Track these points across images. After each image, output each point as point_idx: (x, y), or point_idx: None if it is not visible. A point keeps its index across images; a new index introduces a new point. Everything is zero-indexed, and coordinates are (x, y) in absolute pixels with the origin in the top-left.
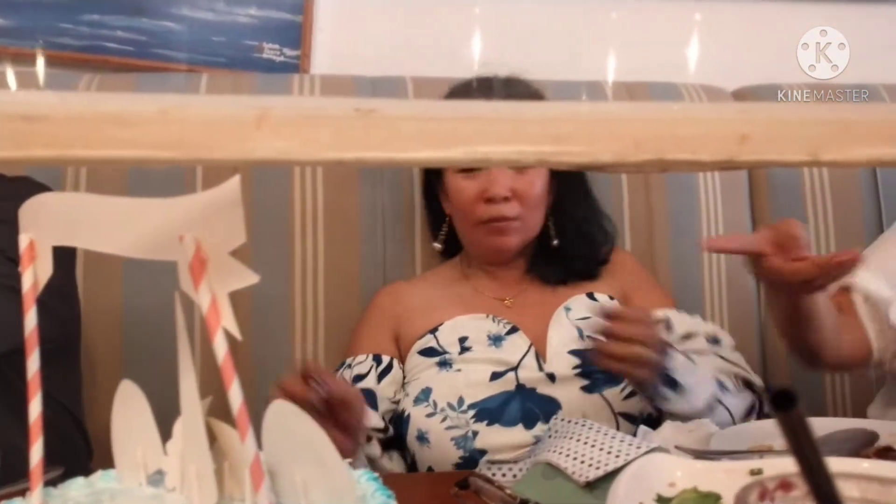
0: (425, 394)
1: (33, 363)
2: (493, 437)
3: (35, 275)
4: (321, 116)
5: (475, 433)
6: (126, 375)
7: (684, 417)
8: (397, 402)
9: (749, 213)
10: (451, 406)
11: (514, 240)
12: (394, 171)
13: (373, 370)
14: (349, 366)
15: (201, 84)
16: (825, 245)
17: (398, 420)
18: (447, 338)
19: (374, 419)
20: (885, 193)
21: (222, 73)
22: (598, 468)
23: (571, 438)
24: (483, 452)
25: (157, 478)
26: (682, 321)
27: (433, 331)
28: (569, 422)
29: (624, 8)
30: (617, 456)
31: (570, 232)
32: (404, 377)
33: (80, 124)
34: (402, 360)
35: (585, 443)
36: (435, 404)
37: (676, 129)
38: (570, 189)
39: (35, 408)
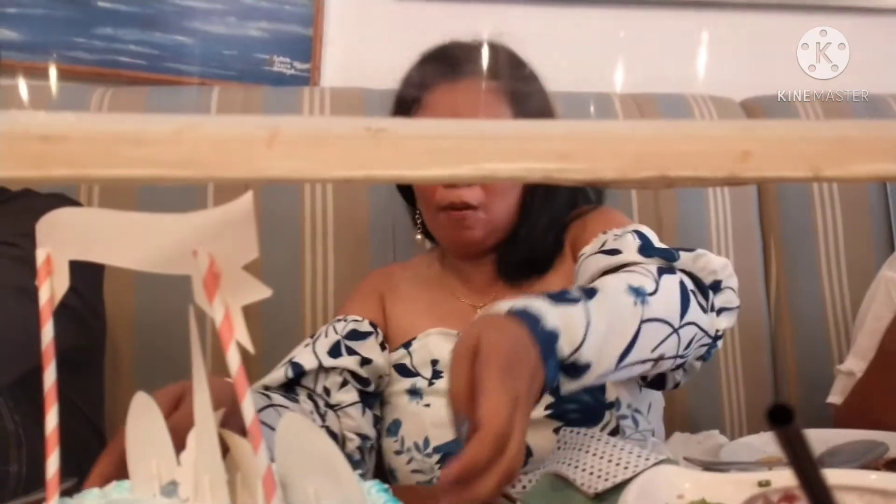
0: (395, 426)
1: (49, 375)
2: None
3: (52, 289)
4: (331, 136)
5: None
6: (138, 385)
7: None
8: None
9: (758, 222)
10: (416, 447)
11: (478, 233)
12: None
13: (373, 337)
14: (345, 320)
15: (213, 97)
16: (834, 255)
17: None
18: (419, 357)
19: (360, 370)
20: (894, 202)
21: (233, 86)
22: (606, 479)
23: (580, 450)
24: None
25: (170, 488)
26: (625, 244)
27: (406, 346)
28: (578, 433)
29: (632, 19)
30: (626, 468)
31: (539, 226)
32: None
33: (96, 144)
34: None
35: (594, 454)
36: (403, 441)
37: (678, 146)
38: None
39: (52, 420)
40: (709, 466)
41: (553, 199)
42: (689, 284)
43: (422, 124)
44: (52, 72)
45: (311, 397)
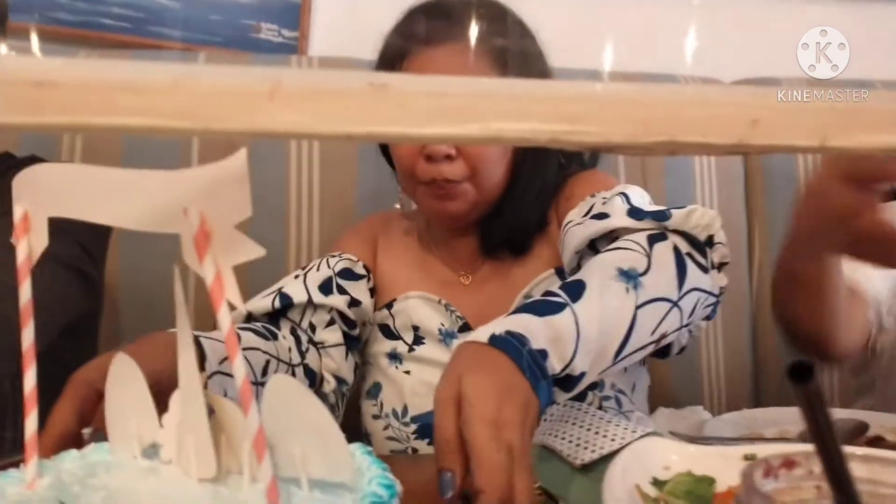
0: (376, 389)
1: (28, 335)
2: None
3: (29, 247)
4: (334, 90)
5: (415, 450)
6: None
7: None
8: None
9: (744, 203)
10: (395, 413)
11: (461, 205)
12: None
13: (365, 281)
14: (339, 256)
15: (198, 63)
16: None
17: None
18: (401, 321)
19: (349, 312)
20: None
21: (219, 52)
22: (593, 451)
23: (567, 422)
24: None
25: (151, 451)
26: (613, 208)
27: (389, 307)
28: (565, 405)
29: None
30: (612, 439)
31: (526, 201)
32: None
33: (90, 91)
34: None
35: (581, 426)
36: (381, 406)
37: (687, 112)
38: (537, 152)
39: (30, 380)
40: (693, 441)
41: (542, 171)
42: (685, 247)
43: (427, 80)
44: (34, 33)
45: (293, 332)
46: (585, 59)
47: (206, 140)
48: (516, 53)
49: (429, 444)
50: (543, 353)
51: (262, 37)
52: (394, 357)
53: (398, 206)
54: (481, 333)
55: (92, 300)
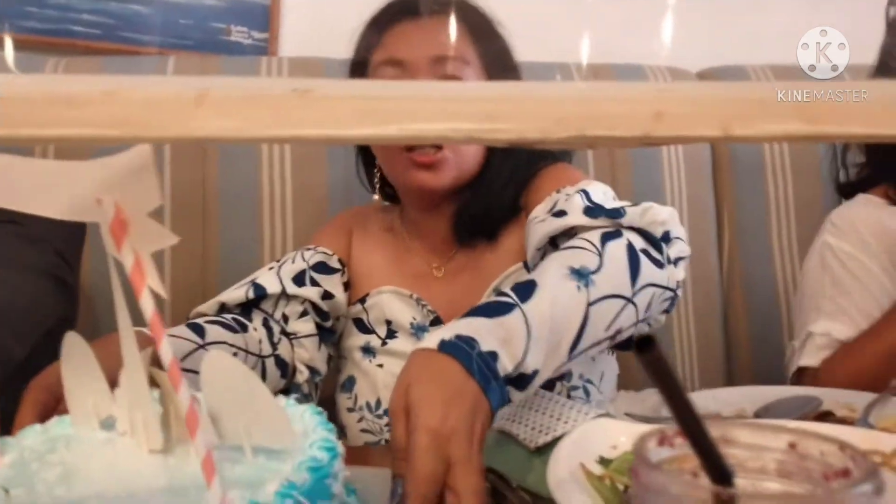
0: (350, 383)
1: None
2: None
3: None
4: (259, 96)
5: (388, 441)
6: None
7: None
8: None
9: (712, 189)
10: (368, 406)
11: (440, 178)
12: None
13: (339, 275)
14: (314, 250)
15: (168, 67)
16: (785, 222)
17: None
18: (374, 315)
19: (322, 304)
20: (845, 172)
21: (190, 56)
22: (546, 434)
23: (524, 407)
24: None
25: (109, 422)
26: (572, 206)
27: (362, 301)
28: None
29: None
30: (566, 422)
31: (499, 181)
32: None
33: (30, 105)
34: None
35: (536, 410)
36: (356, 399)
37: (596, 108)
38: None
39: None
40: (649, 421)
41: (513, 155)
42: (640, 243)
43: (349, 85)
44: (8, 41)
45: (266, 323)
46: (557, 52)
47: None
48: (486, 40)
49: None
50: (494, 355)
51: (233, 39)
52: (367, 351)
53: (376, 196)
54: (432, 340)
55: (69, 306)
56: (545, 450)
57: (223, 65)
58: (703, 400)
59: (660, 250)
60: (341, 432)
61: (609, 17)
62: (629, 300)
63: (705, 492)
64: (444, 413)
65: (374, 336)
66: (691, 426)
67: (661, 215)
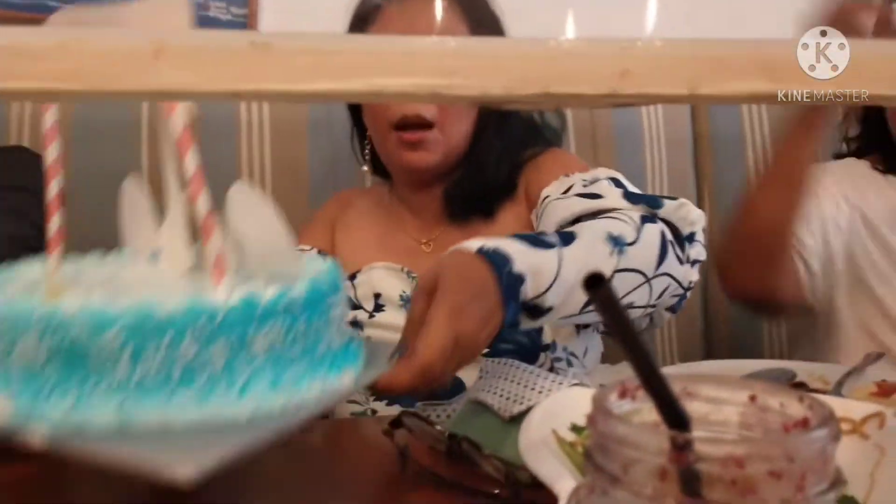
0: None
1: None
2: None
3: None
4: (218, 50)
5: (374, 412)
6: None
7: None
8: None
9: (693, 170)
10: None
11: (431, 156)
12: (343, 122)
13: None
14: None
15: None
16: None
17: None
18: (363, 291)
19: None
20: (824, 151)
21: None
22: (521, 403)
23: (499, 377)
24: None
25: (154, 258)
26: (606, 190)
27: (351, 278)
28: (499, 362)
29: None
30: (540, 392)
31: (490, 158)
32: None
33: None
34: None
35: (511, 381)
36: None
37: (561, 64)
38: (500, 115)
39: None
40: None
41: (505, 131)
42: (668, 235)
43: (309, 38)
44: None
45: None
46: (541, 29)
47: (155, 111)
48: (479, 12)
49: (387, 404)
50: (521, 279)
51: (211, 14)
52: (354, 324)
53: (365, 168)
54: (471, 244)
55: (27, 231)
56: (519, 419)
57: None
58: (681, 372)
59: (682, 248)
60: (325, 417)
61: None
62: (648, 280)
63: (661, 437)
64: (467, 301)
65: (360, 311)
66: (644, 368)
67: (692, 215)
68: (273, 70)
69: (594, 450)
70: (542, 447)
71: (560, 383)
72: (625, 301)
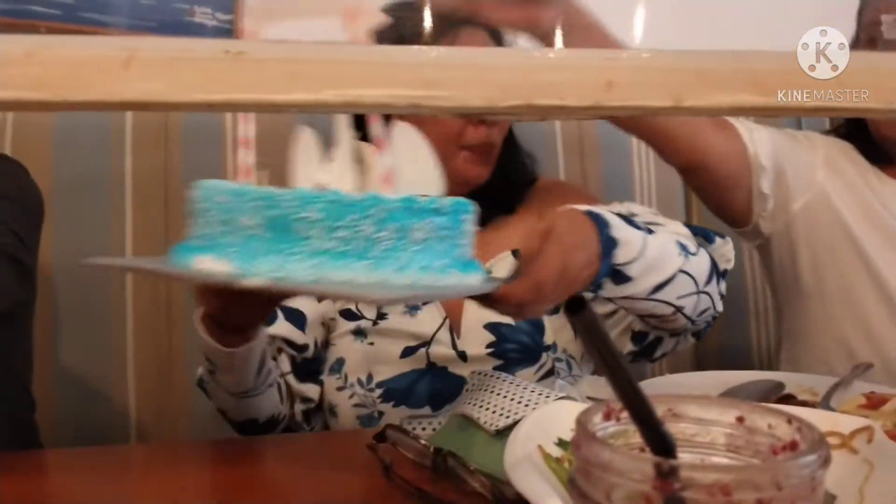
0: (339, 364)
1: None
2: (398, 418)
3: None
4: (190, 58)
5: (381, 413)
6: (56, 339)
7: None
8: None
9: (681, 181)
10: (360, 382)
11: (489, 168)
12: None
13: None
14: None
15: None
16: None
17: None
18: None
19: (295, 335)
20: None
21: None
22: (507, 417)
23: (485, 390)
24: None
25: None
26: (663, 220)
27: None
28: (485, 374)
29: None
30: (526, 405)
31: (510, 168)
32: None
33: None
34: None
35: (498, 394)
36: (346, 378)
37: (544, 76)
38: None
39: None
40: None
41: (513, 158)
42: (715, 265)
43: (284, 47)
44: None
45: None
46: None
47: (139, 119)
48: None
49: (394, 406)
50: (615, 243)
51: (196, 20)
52: (358, 333)
53: None
54: (580, 207)
55: (26, 288)
56: (505, 433)
57: None
58: (669, 385)
59: (718, 282)
60: (330, 412)
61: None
62: (699, 292)
63: (646, 464)
64: (575, 245)
65: (363, 320)
66: (626, 393)
67: (730, 254)
68: (247, 79)
69: (578, 475)
70: (527, 464)
71: (547, 396)
72: (679, 302)
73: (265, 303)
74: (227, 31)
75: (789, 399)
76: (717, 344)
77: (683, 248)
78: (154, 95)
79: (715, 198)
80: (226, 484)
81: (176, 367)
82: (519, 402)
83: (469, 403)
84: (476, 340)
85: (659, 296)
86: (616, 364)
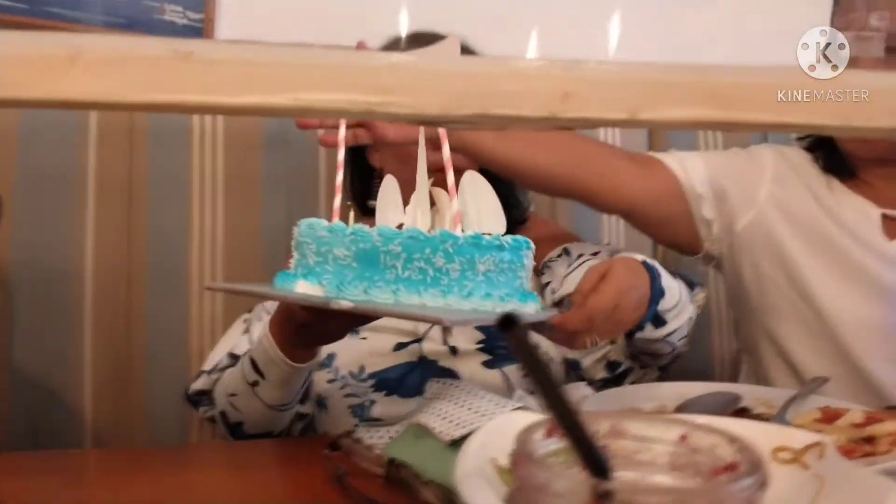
0: (329, 359)
1: None
2: (389, 407)
3: None
4: (137, 57)
5: (372, 402)
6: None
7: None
8: None
9: None
10: (352, 374)
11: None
12: (300, 137)
13: None
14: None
15: None
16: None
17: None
18: None
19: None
20: None
21: (120, 34)
22: (463, 427)
23: (443, 399)
24: (378, 421)
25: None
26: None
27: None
28: (444, 383)
29: None
30: (483, 415)
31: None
32: None
33: None
34: None
35: (455, 403)
36: (337, 371)
37: (500, 85)
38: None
39: None
40: None
41: (510, 184)
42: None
43: (235, 48)
44: None
45: None
46: (508, 47)
47: (104, 116)
48: None
49: (386, 395)
50: (662, 292)
51: (167, 18)
52: (351, 330)
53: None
54: (636, 256)
55: None
56: (460, 443)
57: None
58: (627, 396)
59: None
60: (320, 405)
61: (563, 13)
62: (685, 336)
63: (582, 485)
64: (630, 287)
65: None
66: (559, 413)
67: (702, 302)
68: (195, 81)
69: (517, 494)
70: (477, 476)
71: (503, 406)
72: (678, 344)
73: (350, 323)
74: (198, 31)
75: (744, 412)
76: (680, 359)
77: (691, 297)
78: (99, 95)
79: (659, 235)
80: (180, 491)
81: (134, 373)
82: (475, 413)
83: (426, 412)
84: (467, 338)
85: (671, 338)
86: (547, 383)
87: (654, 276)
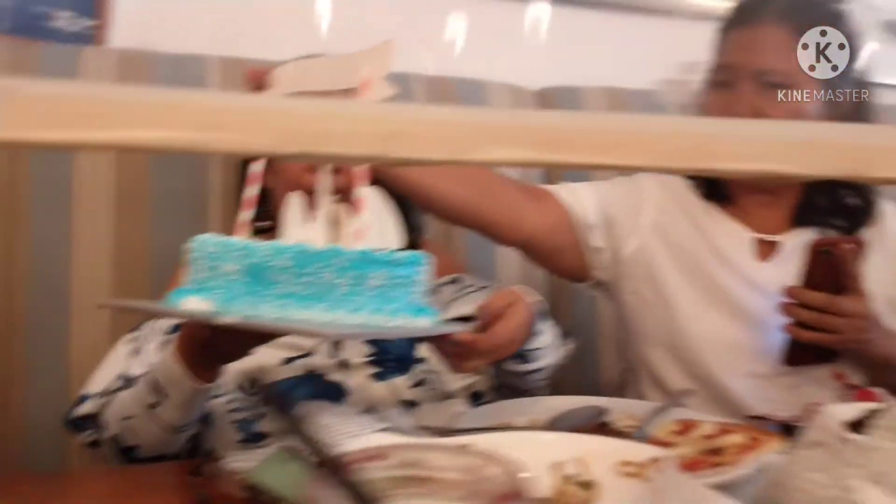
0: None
1: None
2: (276, 420)
3: None
4: None
5: (262, 415)
6: None
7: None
8: None
9: None
10: (241, 388)
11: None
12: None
13: None
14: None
15: None
16: None
17: None
18: None
19: None
20: None
21: (4, 40)
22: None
23: (313, 422)
24: (265, 436)
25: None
26: None
27: None
28: (315, 405)
29: (443, 5)
30: (349, 437)
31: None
32: None
33: None
34: None
35: (323, 425)
36: (225, 385)
37: (328, 125)
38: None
39: None
40: (442, 433)
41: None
42: None
43: (51, 84)
44: None
45: None
46: (402, 63)
47: None
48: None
49: (274, 409)
50: (538, 333)
51: (57, 25)
52: None
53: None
54: (528, 296)
55: None
56: None
57: (43, 53)
58: (500, 411)
59: None
60: (204, 421)
61: (457, 30)
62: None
63: None
64: (526, 324)
65: None
66: (320, 456)
67: (570, 353)
68: (10, 115)
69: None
70: (333, 499)
71: (369, 429)
72: (537, 379)
73: (252, 340)
74: (90, 38)
75: (604, 427)
76: (574, 373)
77: (561, 343)
78: None
79: (551, 265)
80: None
81: (14, 393)
82: (342, 434)
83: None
84: (357, 351)
85: (533, 375)
86: (305, 434)
87: (536, 317)
